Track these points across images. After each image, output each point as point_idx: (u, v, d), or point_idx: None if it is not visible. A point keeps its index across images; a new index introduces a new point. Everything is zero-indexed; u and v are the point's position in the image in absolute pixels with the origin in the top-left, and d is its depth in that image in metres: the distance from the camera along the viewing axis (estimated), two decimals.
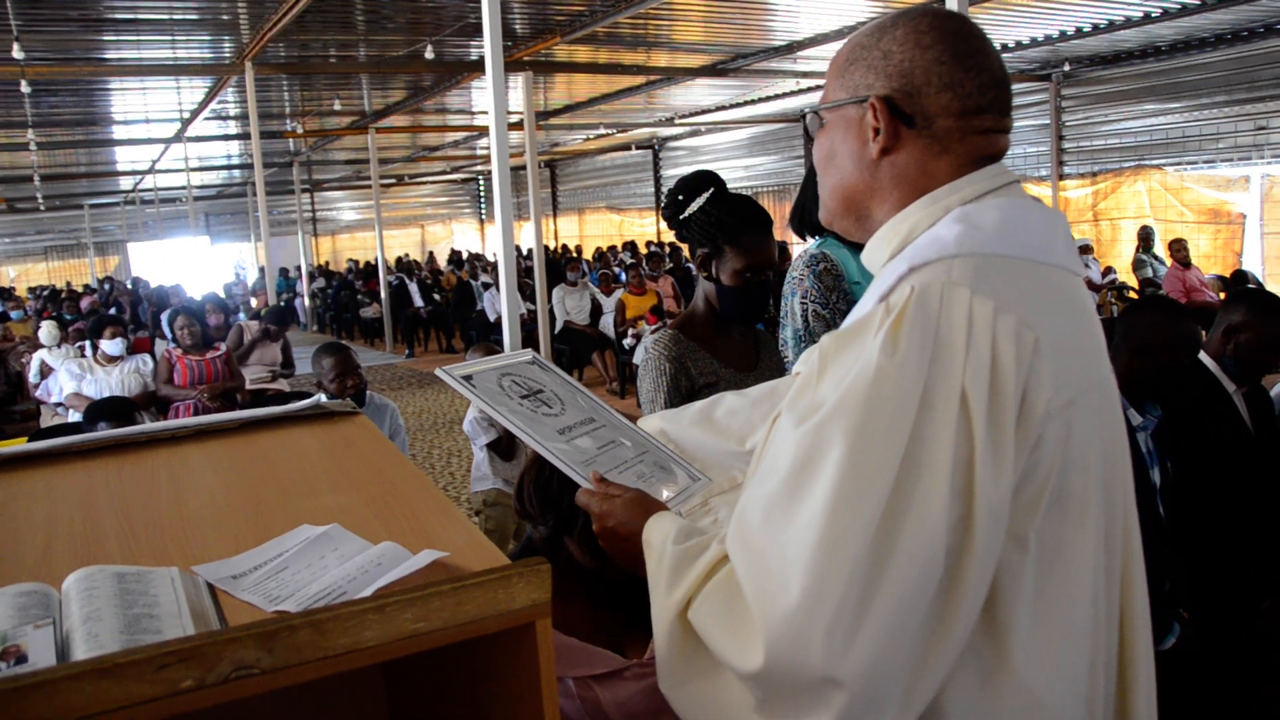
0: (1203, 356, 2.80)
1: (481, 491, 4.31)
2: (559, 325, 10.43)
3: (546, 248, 15.91)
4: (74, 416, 5.75)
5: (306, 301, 18.36)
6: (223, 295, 12.71)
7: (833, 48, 10.23)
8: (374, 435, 1.23)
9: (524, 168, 9.78)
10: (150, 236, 23.16)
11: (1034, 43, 10.60)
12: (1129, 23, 9.71)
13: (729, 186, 2.22)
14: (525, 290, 11.07)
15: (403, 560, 0.81)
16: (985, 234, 1.00)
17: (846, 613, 0.87)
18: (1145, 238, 10.94)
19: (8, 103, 11.15)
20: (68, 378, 6.17)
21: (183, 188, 18.87)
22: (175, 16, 8.33)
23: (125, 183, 20.94)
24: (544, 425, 1.25)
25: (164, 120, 13.57)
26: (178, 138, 14.48)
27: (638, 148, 21.08)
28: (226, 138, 15.64)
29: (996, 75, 1.07)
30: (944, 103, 1.05)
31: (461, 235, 27.95)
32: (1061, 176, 12.80)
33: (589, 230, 23.84)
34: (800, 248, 2.49)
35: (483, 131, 15.82)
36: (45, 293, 17.78)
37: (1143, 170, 11.94)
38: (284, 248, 22.82)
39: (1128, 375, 2.41)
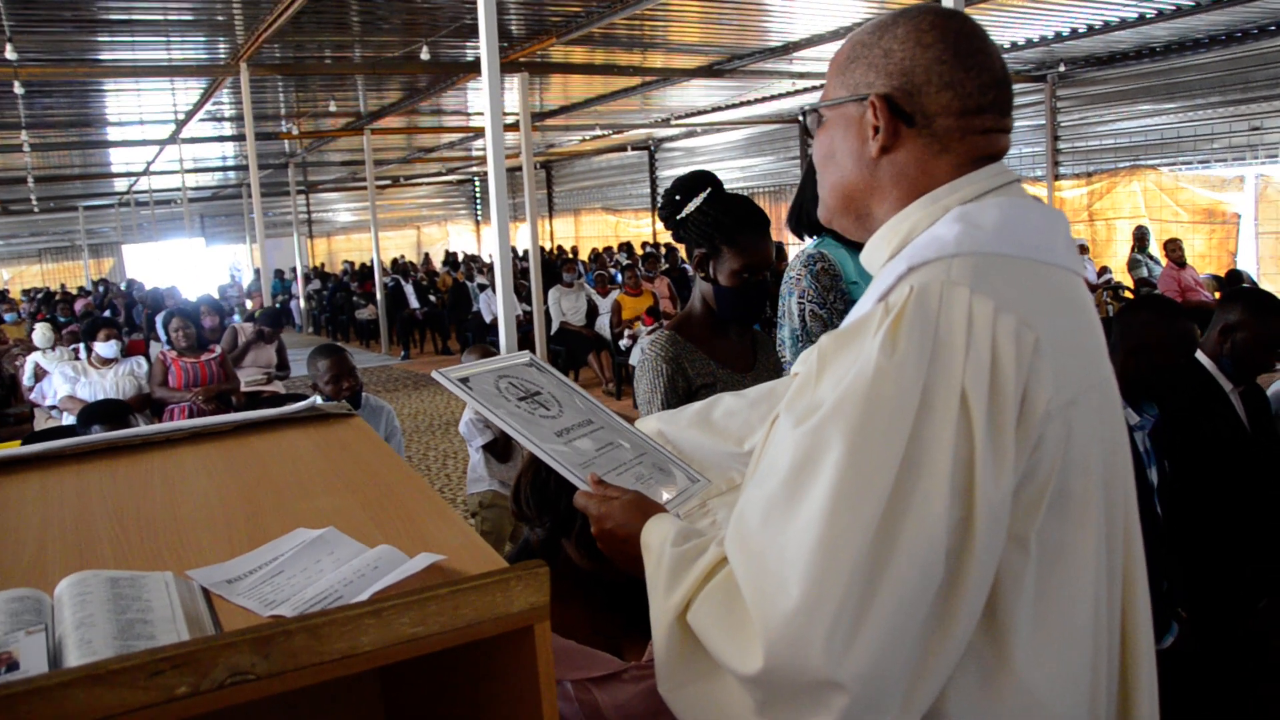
0: (1200, 356, 2.80)
1: (478, 493, 4.29)
2: (555, 326, 10.42)
3: (542, 249, 15.90)
4: (68, 419, 5.73)
5: (302, 303, 18.34)
6: (217, 297, 12.70)
7: (828, 48, 10.25)
8: (370, 437, 1.22)
9: (520, 169, 9.79)
10: (145, 238, 23.11)
11: (1029, 43, 10.62)
12: (1124, 24, 9.73)
13: (725, 187, 2.22)
14: (521, 291, 11.06)
15: (399, 564, 0.81)
16: (985, 233, 1.00)
17: (846, 614, 0.86)
18: (1140, 238, 10.96)
19: (1, 104, 11.12)
20: (62, 380, 6.16)
21: (178, 189, 18.86)
22: (170, 17, 8.31)
23: (120, 184, 20.90)
24: (541, 427, 1.25)
25: (159, 122, 13.54)
26: (172, 139, 14.46)
27: (633, 149, 21.08)
28: (221, 139, 15.62)
29: (997, 75, 1.06)
30: (944, 102, 1.04)
31: (457, 236, 27.94)
32: (1057, 177, 12.82)
33: (585, 231, 23.84)
34: (796, 248, 2.49)
35: (478, 133, 15.82)
36: (39, 295, 17.74)
37: (1138, 170, 11.96)
38: (279, 249, 22.80)
39: (1124, 375, 2.41)
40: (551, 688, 0.78)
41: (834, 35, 9.85)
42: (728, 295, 2.13)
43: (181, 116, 13.06)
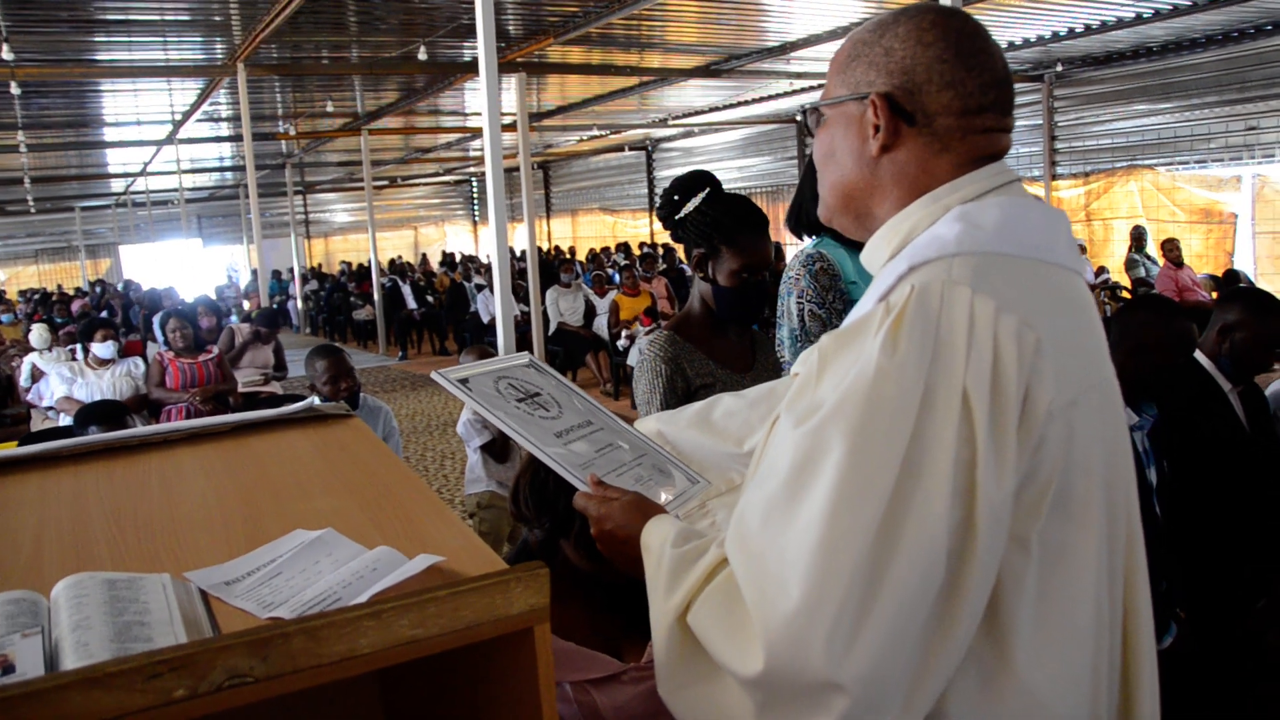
0: (1198, 355, 2.80)
1: (475, 494, 4.29)
2: (553, 327, 10.42)
3: (539, 249, 15.89)
4: (65, 420, 5.71)
5: (299, 304, 18.33)
6: (215, 298, 12.68)
7: (826, 48, 10.26)
8: (368, 438, 1.22)
9: (517, 169, 9.78)
10: (142, 239, 23.08)
11: (1026, 43, 10.62)
12: (1121, 23, 9.74)
13: (723, 187, 2.21)
14: (519, 292, 11.06)
15: (398, 565, 0.80)
16: (986, 232, 0.99)
17: (847, 616, 0.86)
18: (1138, 237, 10.98)
19: None
20: (58, 381, 6.14)
21: (175, 190, 18.82)
22: (167, 17, 8.30)
23: (117, 185, 20.88)
24: (541, 429, 1.24)
25: (156, 122, 13.52)
26: (170, 140, 14.45)
27: (631, 149, 21.08)
28: (219, 140, 15.60)
29: (998, 74, 1.06)
30: (945, 101, 1.04)
31: (454, 237, 27.92)
32: (1054, 177, 12.83)
33: (582, 231, 23.83)
34: (793, 248, 2.49)
35: (476, 133, 15.81)
36: (36, 296, 17.71)
37: (1135, 170, 11.97)
38: (276, 250, 22.78)
39: (1122, 375, 2.39)
40: (551, 690, 0.78)
41: (831, 35, 9.85)
42: (727, 295, 2.13)
43: (178, 117, 13.04)
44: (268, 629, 0.66)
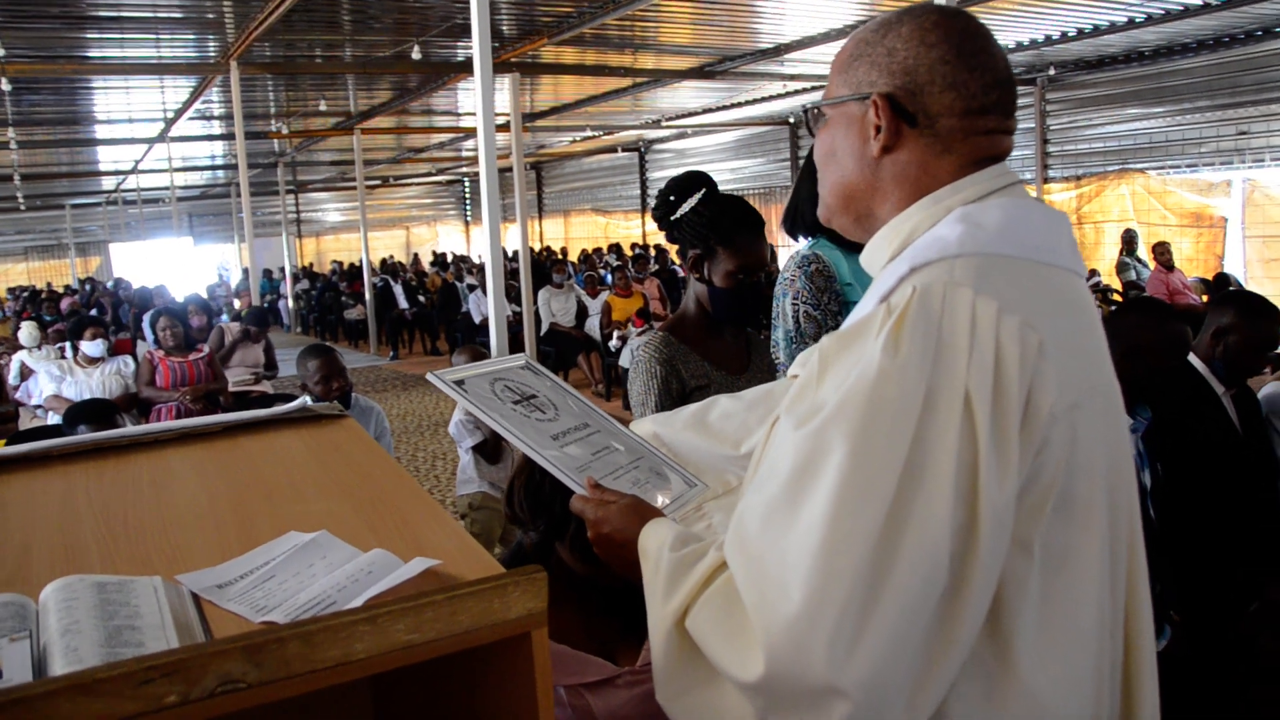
0: (1192, 359, 2.81)
1: (467, 495, 4.28)
2: (544, 327, 10.41)
3: (532, 250, 15.88)
4: (54, 419, 5.68)
5: (290, 303, 18.27)
6: (206, 297, 12.64)
7: (819, 50, 10.27)
8: (362, 439, 1.20)
9: (510, 169, 9.75)
10: (133, 237, 23.00)
11: (1019, 47, 10.65)
12: (1113, 28, 9.77)
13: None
14: (511, 292, 11.04)
15: (394, 568, 0.79)
16: (987, 234, 0.99)
17: (849, 620, 0.85)
18: (1129, 241, 11.02)
19: None
20: (48, 379, 6.11)
21: (166, 188, 18.75)
22: (159, 15, 8.26)
23: (108, 183, 20.79)
24: (537, 431, 1.23)
25: (147, 120, 13.47)
26: (161, 138, 14.38)
27: (624, 150, 21.07)
28: (210, 138, 15.54)
29: (1001, 75, 1.05)
30: (947, 102, 1.03)
31: (446, 237, 27.88)
32: (1046, 180, 12.86)
33: (574, 232, 23.81)
34: (786, 251, 2.48)
35: (469, 133, 15.78)
36: (25, 294, 17.63)
37: (1126, 174, 12.01)
38: (268, 249, 22.71)
39: (1117, 377, 2.41)
40: (548, 695, 0.77)
41: (825, 37, 9.86)
42: (722, 296, 2.12)
43: (170, 115, 12.99)
44: (262, 634, 0.65)
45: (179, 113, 12.64)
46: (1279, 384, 2.99)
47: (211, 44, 9.45)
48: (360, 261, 16.34)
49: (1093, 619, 0.97)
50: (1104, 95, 12.05)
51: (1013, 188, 1.06)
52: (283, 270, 19.56)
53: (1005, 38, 10.25)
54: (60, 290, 18.61)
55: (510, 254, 16.77)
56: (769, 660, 0.87)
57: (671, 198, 2.15)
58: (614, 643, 1.44)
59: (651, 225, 19.64)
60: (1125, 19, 9.49)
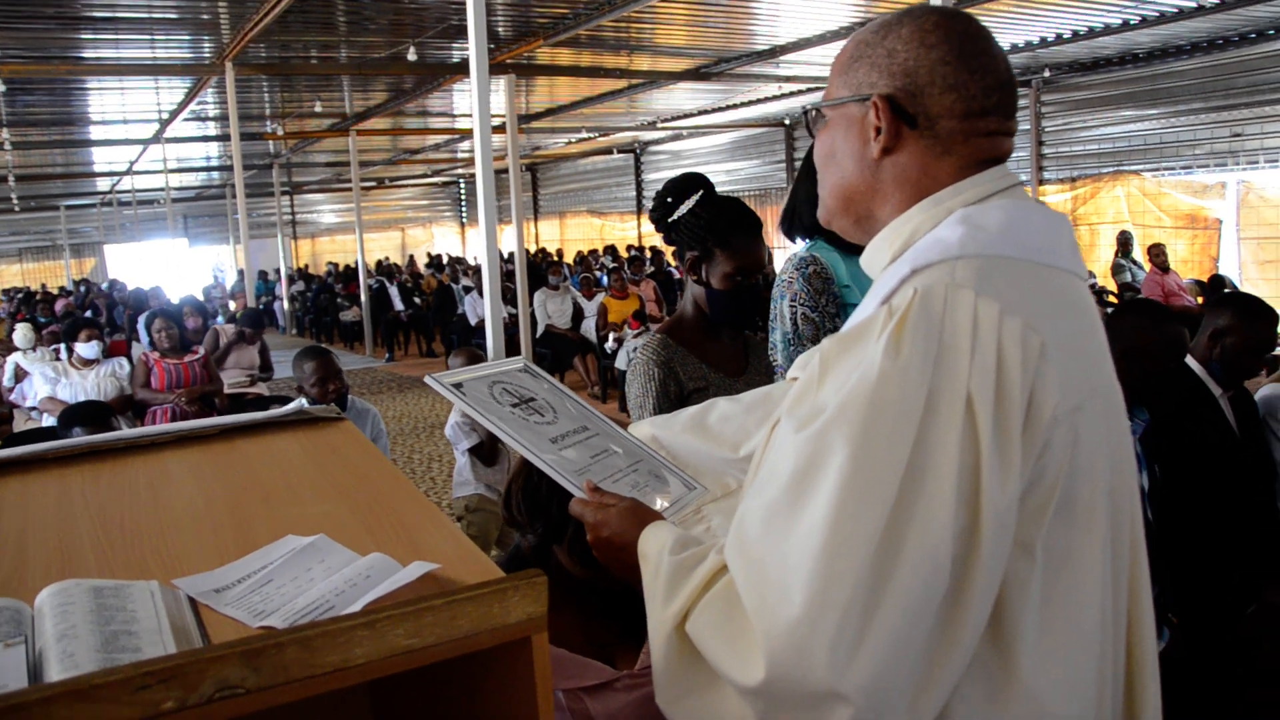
0: (1189, 361, 2.81)
1: (463, 497, 4.27)
2: (540, 329, 10.41)
3: (527, 252, 15.86)
4: (49, 421, 5.66)
5: (285, 305, 18.24)
6: (202, 299, 12.62)
7: (814, 52, 10.28)
8: (360, 442, 1.20)
9: (506, 171, 9.74)
10: (127, 238, 22.94)
11: (1014, 49, 10.66)
12: (1108, 30, 9.78)
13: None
14: (506, 294, 11.03)
15: (392, 572, 0.78)
16: (988, 235, 0.98)
17: (851, 624, 0.84)
18: (1124, 242, 11.04)
19: None
20: (42, 381, 6.09)
21: (161, 189, 18.74)
22: (154, 15, 8.24)
23: (102, 184, 20.74)
24: (537, 434, 1.23)
25: (142, 121, 13.44)
26: (156, 139, 14.35)
27: (619, 151, 21.06)
28: (206, 139, 15.51)
29: (1002, 77, 1.05)
30: (948, 104, 1.03)
31: (442, 239, 27.87)
32: (1041, 182, 12.87)
33: (570, 234, 23.81)
34: (781, 253, 2.47)
35: (464, 135, 15.77)
36: (19, 295, 17.58)
37: (1121, 176, 12.03)
38: (263, 250, 22.69)
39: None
40: (548, 700, 0.76)
41: (820, 39, 9.86)
42: (720, 298, 2.11)
43: (165, 116, 12.96)
44: (260, 639, 0.64)
45: (174, 114, 12.61)
46: (1276, 386, 2.99)
47: (206, 45, 9.43)
48: (355, 263, 16.31)
49: (1095, 621, 0.97)
50: (1099, 97, 12.07)
51: (1013, 189, 1.05)
52: (278, 272, 19.52)
53: (1000, 39, 10.16)
54: (55, 292, 18.54)
55: (505, 256, 16.77)
56: (770, 664, 0.86)
57: (669, 200, 2.15)
58: (612, 646, 1.44)
59: (647, 227, 19.62)
60: (1120, 21, 9.51)
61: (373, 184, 25.28)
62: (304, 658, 0.66)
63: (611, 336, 9.66)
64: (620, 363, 8.95)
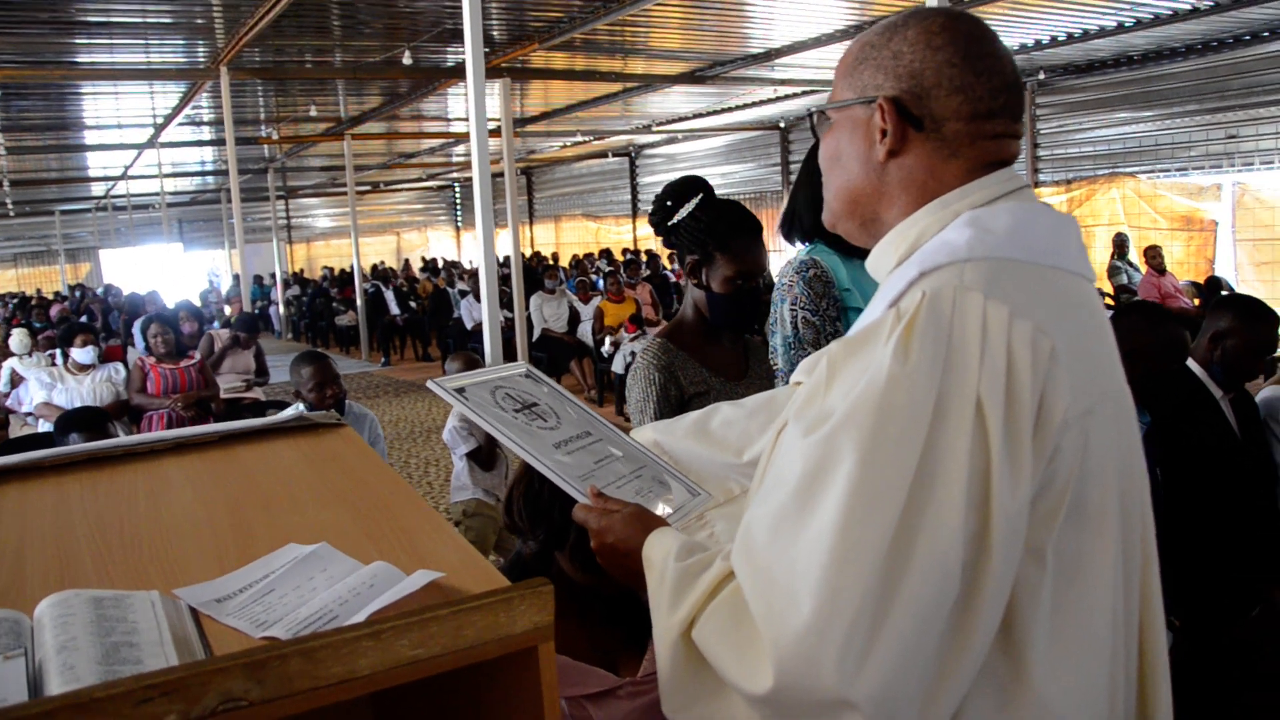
0: (1190, 363, 2.81)
1: (461, 502, 4.26)
2: (537, 333, 10.39)
3: (523, 255, 15.86)
4: (44, 426, 5.64)
5: (281, 309, 18.21)
6: (199, 304, 12.58)
7: (809, 55, 10.28)
8: (360, 448, 1.19)
9: (501, 175, 9.73)
10: (123, 243, 22.89)
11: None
12: (1103, 32, 9.80)
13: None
14: (503, 298, 11.01)
15: (396, 581, 0.77)
16: (997, 238, 0.98)
17: (860, 631, 0.83)
18: (1120, 244, 11.06)
19: None
20: (38, 387, 6.06)
21: (156, 194, 18.68)
22: (149, 20, 8.22)
23: (97, 189, 20.71)
24: (539, 439, 1.22)
25: (137, 125, 13.41)
26: (151, 143, 14.33)
27: (614, 155, 21.06)
28: (201, 143, 15.50)
29: (1008, 79, 1.04)
30: (954, 106, 1.02)
31: (437, 242, 27.85)
32: (1037, 184, 12.89)
33: (565, 238, 23.80)
34: (778, 257, 2.46)
35: (459, 138, 15.76)
36: (14, 300, 17.53)
37: (1116, 178, 12.05)
38: (258, 255, 22.66)
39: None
40: (555, 710, 0.75)
41: (815, 42, 9.87)
42: (721, 302, 2.10)
43: (160, 120, 12.93)
44: (263, 650, 0.63)
45: (169, 118, 12.59)
46: (1277, 388, 2.99)
47: (201, 49, 9.41)
48: (351, 267, 16.28)
49: (1106, 627, 0.96)
50: (1094, 99, 12.10)
51: (1021, 192, 1.05)
52: (273, 276, 19.47)
53: None
54: (50, 297, 18.51)
55: (501, 259, 16.76)
56: (778, 672, 0.85)
57: (668, 203, 2.14)
58: (615, 653, 1.43)
59: (643, 230, 19.60)
60: (1114, 24, 9.53)
61: (368, 188, 25.27)
62: (308, 669, 0.64)
63: (608, 340, 9.65)
64: (617, 366, 8.94)
